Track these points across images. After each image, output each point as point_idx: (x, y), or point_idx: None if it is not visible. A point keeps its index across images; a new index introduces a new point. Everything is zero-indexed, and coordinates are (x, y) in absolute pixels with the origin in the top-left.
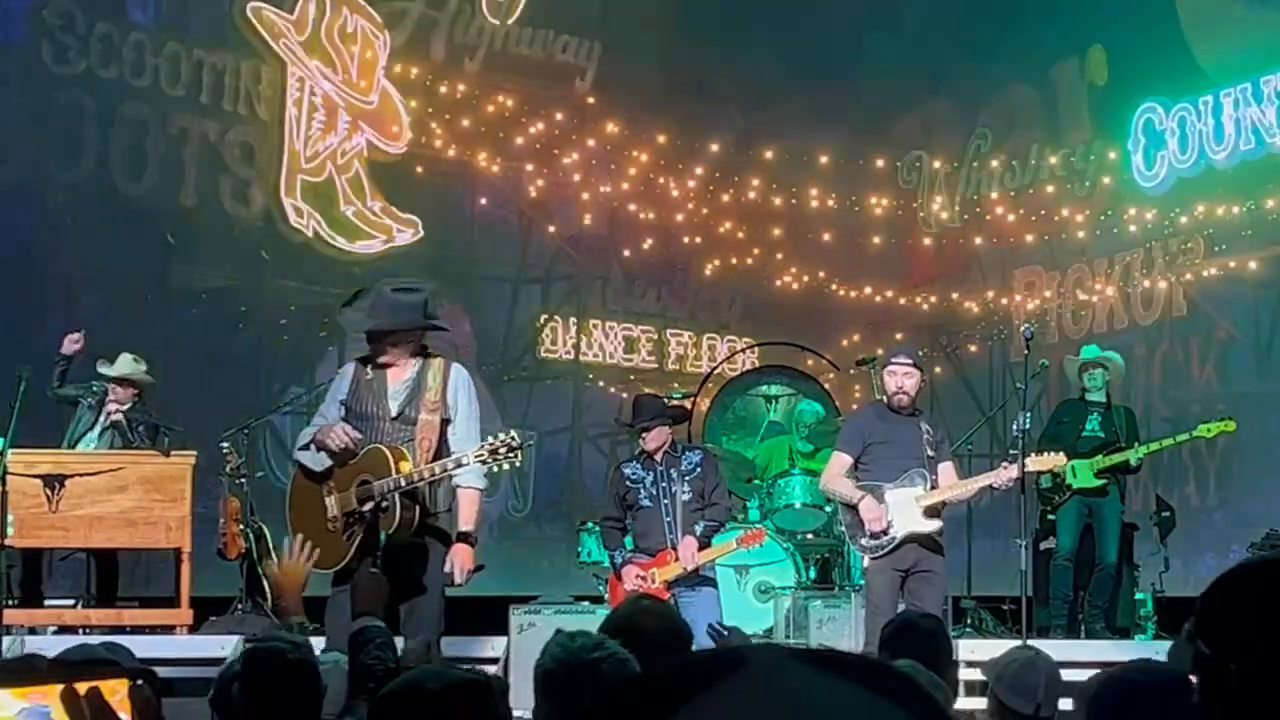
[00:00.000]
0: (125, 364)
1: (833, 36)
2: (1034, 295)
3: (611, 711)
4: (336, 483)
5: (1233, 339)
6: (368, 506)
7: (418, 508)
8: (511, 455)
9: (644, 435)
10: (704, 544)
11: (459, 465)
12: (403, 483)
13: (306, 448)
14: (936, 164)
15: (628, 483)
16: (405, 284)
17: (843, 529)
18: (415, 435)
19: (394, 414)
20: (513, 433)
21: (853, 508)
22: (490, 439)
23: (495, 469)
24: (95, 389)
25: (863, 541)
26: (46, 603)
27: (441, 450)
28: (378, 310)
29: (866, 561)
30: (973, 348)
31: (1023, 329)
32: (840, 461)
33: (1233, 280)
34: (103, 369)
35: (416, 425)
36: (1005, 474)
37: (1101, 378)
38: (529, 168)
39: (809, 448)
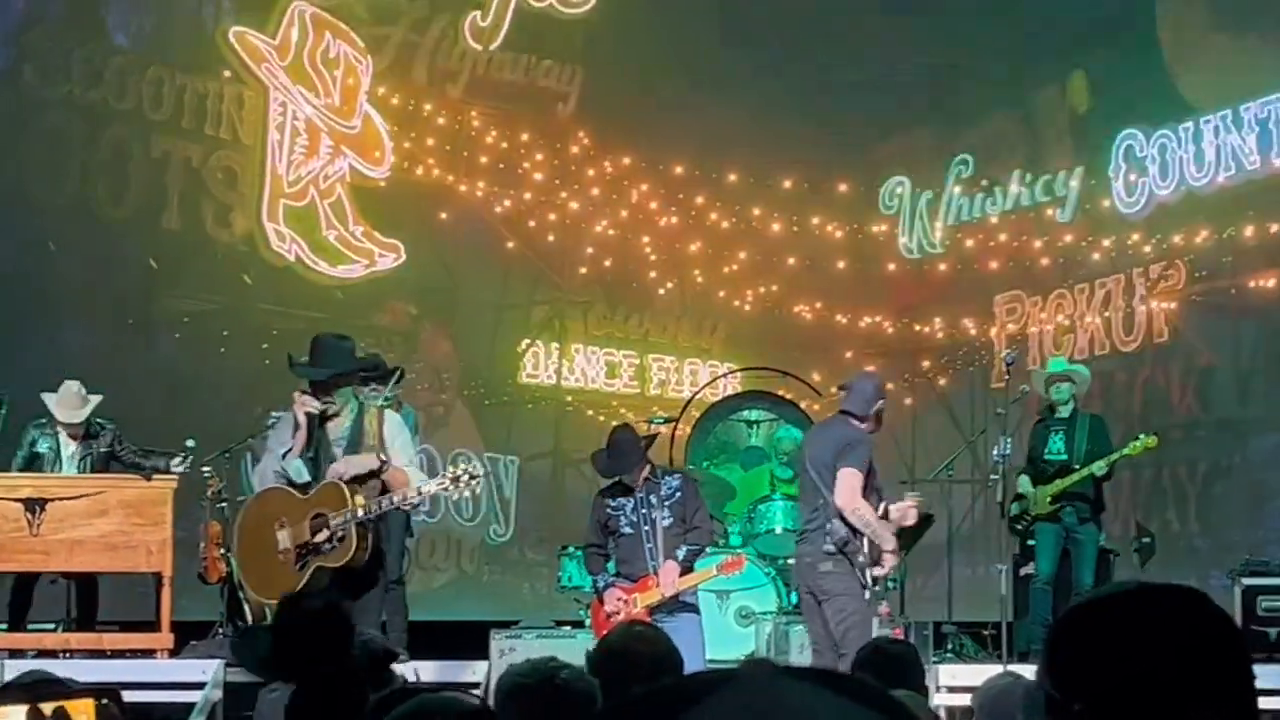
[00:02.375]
0: (69, 401)
1: (813, 60)
2: (1015, 321)
3: None
4: (288, 517)
5: (1214, 365)
6: (321, 537)
7: (370, 537)
8: (473, 483)
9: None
10: (686, 568)
11: (419, 494)
12: (360, 514)
13: (275, 464)
14: (918, 190)
15: (608, 509)
16: (337, 334)
17: (844, 554)
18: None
19: (310, 454)
20: (475, 463)
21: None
22: (452, 467)
23: (456, 496)
24: (41, 427)
25: (871, 573)
26: (27, 627)
27: (384, 490)
28: (324, 357)
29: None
30: (953, 373)
31: (1003, 355)
32: (861, 483)
33: (1214, 307)
34: (47, 400)
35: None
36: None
37: (1068, 391)
38: (511, 192)
39: (789, 473)
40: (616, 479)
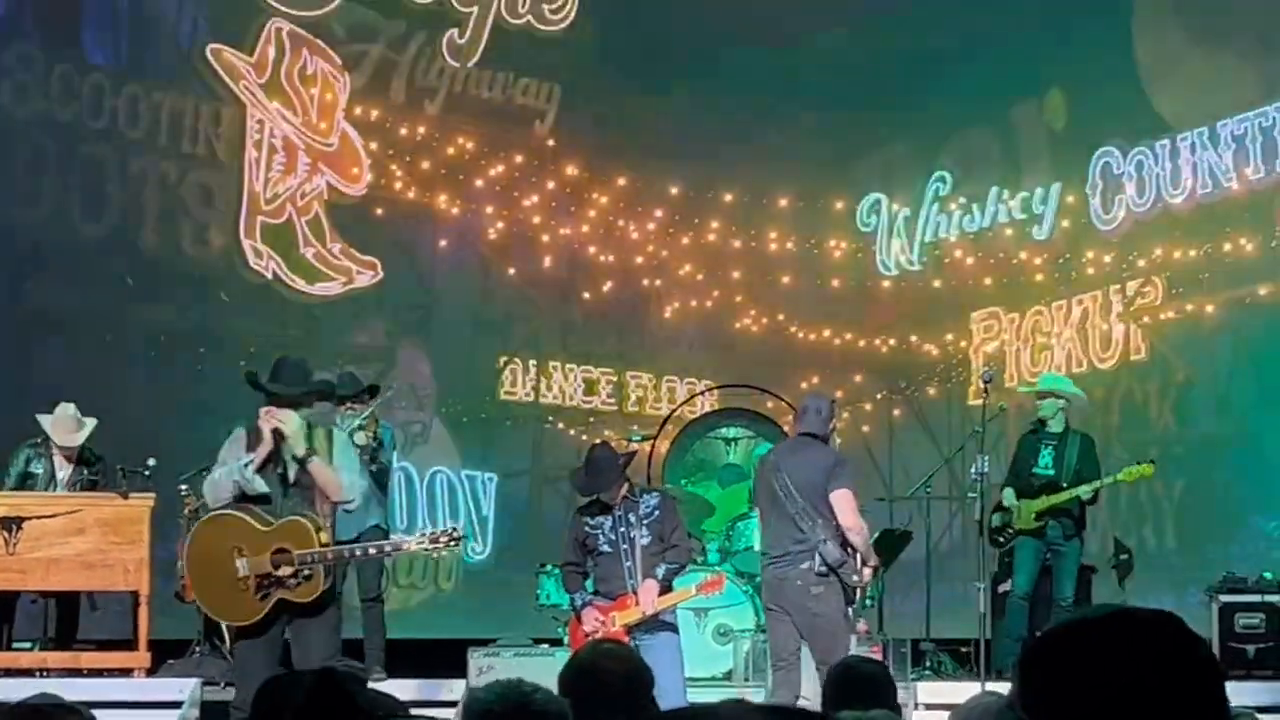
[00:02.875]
0: (65, 424)
1: (793, 78)
2: (992, 338)
3: None
4: (249, 546)
5: (1191, 382)
6: (286, 572)
7: (334, 579)
8: (453, 544)
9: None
10: (665, 586)
11: (397, 549)
12: (329, 557)
13: (235, 474)
14: (895, 207)
15: (586, 528)
16: (294, 357)
17: (837, 574)
18: (313, 497)
19: (292, 480)
20: (455, 526)
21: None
22: (431, 529)
23: (435, 557)
24: (36, 448)
25: (855, 581)
26: (12, 645)
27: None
28: (288, 376)
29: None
30: (931, 390)
31: (981, 372)
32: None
33: (1190, 323)
34: (42, 421)
35: (314, 489)
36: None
37: (1053, 407)
38: (489, 209)
39: None
40: (595, 497)
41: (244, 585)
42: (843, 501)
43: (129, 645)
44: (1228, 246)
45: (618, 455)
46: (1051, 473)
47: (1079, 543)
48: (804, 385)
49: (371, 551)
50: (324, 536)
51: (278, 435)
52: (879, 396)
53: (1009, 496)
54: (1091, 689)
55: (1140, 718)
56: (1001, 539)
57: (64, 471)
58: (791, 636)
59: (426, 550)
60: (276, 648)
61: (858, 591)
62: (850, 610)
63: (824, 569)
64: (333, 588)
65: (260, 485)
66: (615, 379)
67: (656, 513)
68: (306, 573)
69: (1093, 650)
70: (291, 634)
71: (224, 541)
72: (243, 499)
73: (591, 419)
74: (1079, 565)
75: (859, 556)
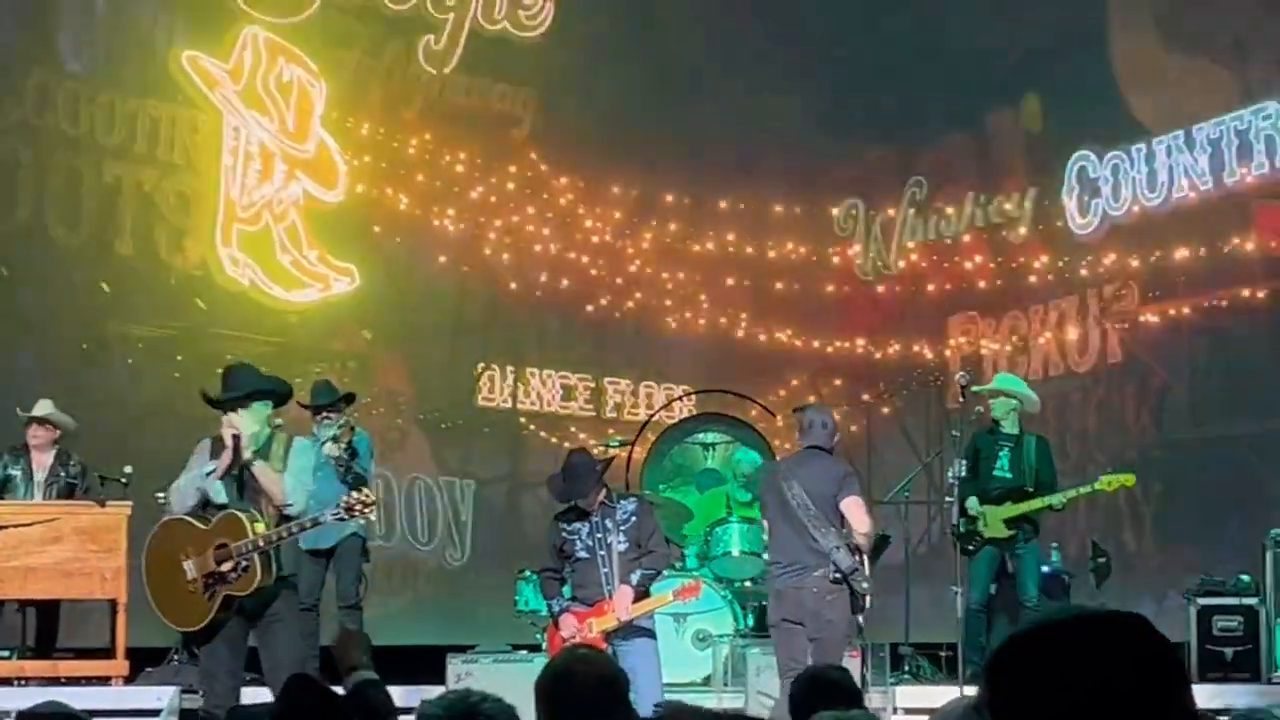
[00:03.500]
0: (44, 406)
1: (770, 83)
2: (969, 343)
3: None
4: (193, 547)
5: (1168, 386)
6: (227, 566)
7: (274, 565)
8: (365, 511)
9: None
10: (642, 592)
11: (315, 523)
12: (260, 543)
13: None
14: (872, 212)
15: (564, 534)
16: (241, 363)
17: (848, 581)
18: (261, 501)
19: (235, 473)
20: (366, 491)
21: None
22: (346, 497)
23: (357, 525)
24: (14, 453)
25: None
26: None
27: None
28: (235, 381)
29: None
30: (908, 394)
31: (958, 376)
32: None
33: (1167, 327)
34: (21, 412)
35: (262, 493)
36: None
37: (1004, 406)
38: (467, 216)
39: (747, 495)
40: (572, 503)
41: (193, 588)
42: (858, 509)
43: (107, 653)
44: (1204, 250)
45: (595, 461)
46: (1010, 476)
47: (1036, 544)
48: (781, 391)
49: (294, 530)
50: (259, 527)
51: (236, 441)
52: (855, 401)
53: (974, 505)
54: (1058, 691)
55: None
56: (971, 547)
57: (41, 473)
58: (802, 646)
59: (342, 519)
60: (240, 651)
61: (866, 598)
62: (859, 618)
63: (837, 576)
64: (278, 579)
65: (220, 493)
66: (593, 385)
67: (634, 519)
68: (244, 564)
69: (1059, 653)
70: (257, 639)
71: (172, 547)
72: (206, 507)
73: (570, 426)
74: (1038, 563)
75: (866, 562)
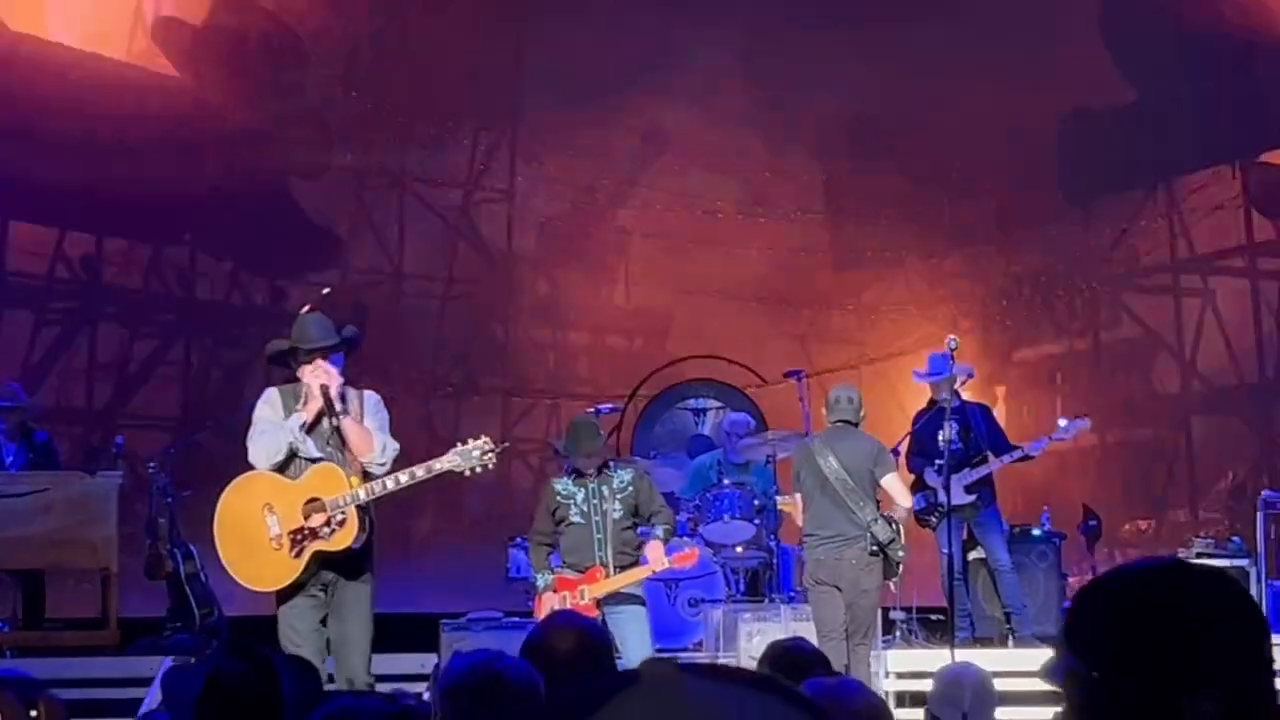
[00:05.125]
0: None
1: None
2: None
3: None
4: (275, 502)
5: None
6: (318, 520)
7: (369, 521)
8: (486, 457)
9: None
10: (665, 543)
11: (429, 472)
12: (362, 495)
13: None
14: None
15: (558, 497)
16: (313, 314)
17: (885, 551)
18: (347, 457)
19: (326, 435)
20: (486, 438)
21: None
22: (460, 443)
23: (469, 471)
24: None
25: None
26: None
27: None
28: (318, 332)
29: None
30: (899, 358)
31: (948, 340)
32: None
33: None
34: None
35: (348, 449)
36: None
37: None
38: (459, 183)
39: (739, 460)
40: (574, 470)
41: (277, 545)
42: (897, 484)
43: (98, 624)
44: None
45: (597, 424)
46: (961, 445)
47: (996, 507)
48: (771, 355)
49: (403, 480)
50: (355, 480)
51: (326, 393)
52: (846, 364)
53: (931, 476)
54: (1137, 634)
55: (1195, 667)
56: (933, 518)
57: (11, 451)
58: (840, 610)
59: (458, 466)
60: (323, 609)
61: (899, 566)
62: (893, 584)
63: (875, 548)
64: (370, 538)
65: (313, 447)
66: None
67: (630, 488)
68: (340, 517)
69: (1144, 598)
70: (332, 606)
71: (253, 503)
72: (291, 462)
73: (561, 391)
74: (999, 524)
75: (902, 532)
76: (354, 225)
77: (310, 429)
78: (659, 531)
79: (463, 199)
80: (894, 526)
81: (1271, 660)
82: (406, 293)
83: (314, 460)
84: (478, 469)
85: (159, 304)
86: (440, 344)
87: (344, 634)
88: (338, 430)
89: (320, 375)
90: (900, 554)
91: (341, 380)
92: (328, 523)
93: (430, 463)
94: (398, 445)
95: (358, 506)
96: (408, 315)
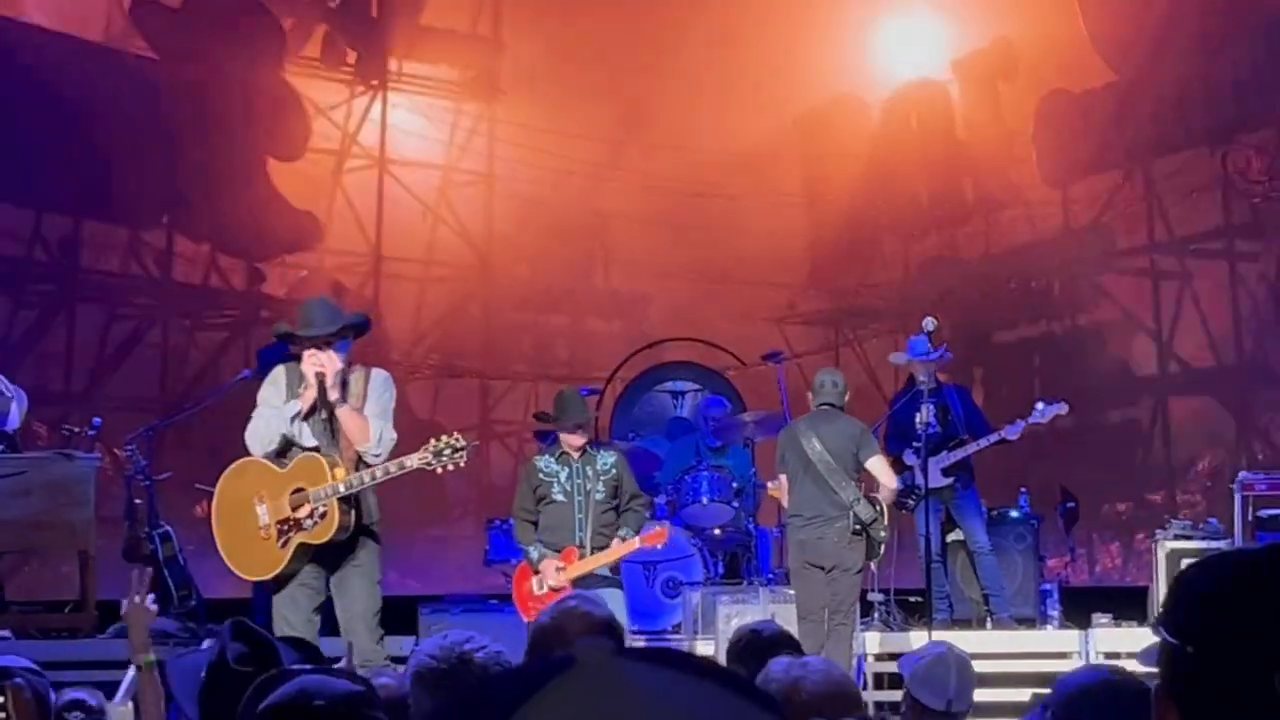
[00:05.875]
0: None
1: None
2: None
3: None
4: (267, 491)
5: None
6: (303, 512)
7: (354, 512)
8: (456, 455)
9: (566, 435)
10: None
11: (401, 469)
12: (341, 489)
13: (283, 426)
14: None
15: (541, 475)
16: (321, 298)
17: (868, 531)
18: (343, 444)
19: (324, 415)
20: (457, 435)
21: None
22: (434, 440)
23: (439, 469)
24: None
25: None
26: None
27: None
28: (319, 318)
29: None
30: (875, 340)
31: (925, 322)
32: None
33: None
34: None
35: (344, 436)
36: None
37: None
38: (437, 164)
39: (716, 443)
40: (558, 449)
41: (266, 535)
42: (881, 466)
43: (77, 606)
44: None
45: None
46: (940, 428)
47: (974, 490)
48: (749, 337)
49: (378, 475)
50: (339, 472)
51: (321, 380)
52: (823, 348)
53: (910, 458)
54: (1234, 614)
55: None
56: (911, 501)
57: None
58: (821, 591)
59: (429, 464)
60: (319, 598)
61: (881, 546)
62: (874, 565)
63: (857, 527)
64: (359, 527)
65: (307, 435)
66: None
67: (614, 470)
68: (321, 510)
69: (1245, 579)
70: (334, 587)
71: (246, 491)
72: (288, 449)
73: (539, 373)
74: (977, 506)
75: (886, 512)
76: (332, 207)
77: (307, 417)
78: (624, 533)
79: (441, 180)
80: (877, 507)
81: None
82: (384, 274)
83: (310, 449)
84: (449, 466)
85: (137, 286)
86: (418, 326)
87: (348, 613)
88: (332, 419)
89: (316, 363)
90: (883, 534)
91: (340, 367)
92: (311, 514)
93: (402, 459)
94: (395, 435)
95: (339, 499)
96: (385, 297)
